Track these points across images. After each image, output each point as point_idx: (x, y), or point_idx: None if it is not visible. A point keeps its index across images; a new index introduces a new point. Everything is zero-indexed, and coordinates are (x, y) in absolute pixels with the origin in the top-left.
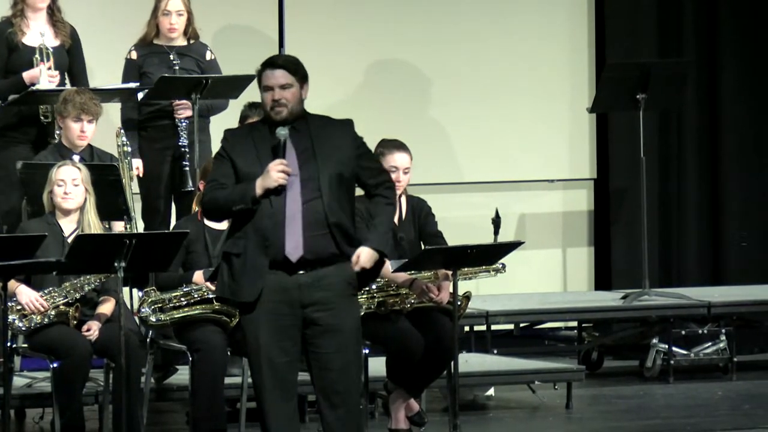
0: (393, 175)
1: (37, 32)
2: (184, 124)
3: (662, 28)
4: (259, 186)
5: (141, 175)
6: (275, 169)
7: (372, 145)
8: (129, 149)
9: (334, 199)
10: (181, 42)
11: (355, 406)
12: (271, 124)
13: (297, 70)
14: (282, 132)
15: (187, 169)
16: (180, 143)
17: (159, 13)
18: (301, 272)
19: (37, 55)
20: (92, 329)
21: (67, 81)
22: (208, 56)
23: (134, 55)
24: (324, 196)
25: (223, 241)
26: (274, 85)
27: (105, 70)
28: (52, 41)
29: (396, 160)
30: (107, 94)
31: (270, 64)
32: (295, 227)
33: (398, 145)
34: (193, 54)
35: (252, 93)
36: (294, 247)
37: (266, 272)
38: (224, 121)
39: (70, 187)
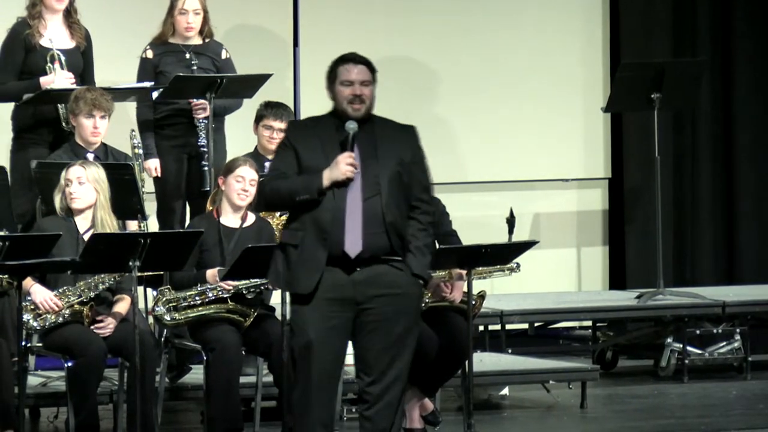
0: None
1: (53, 35)
2: (203, 124)
3: (677, 28)
4: (327, 177)
5: (159, 175)
6: (344, 161)
7: None
8: (141, 151)
9: (392, 199)
10: (197, 41)
11: (394, 400)
12: (339, 118)
13: (375, 70)
14: (351, 126)
15: (206, 169)
16: (199, 143)
17: (176, 12)
18: (358, 269)
19: (49, 63)
20: (108, 325)
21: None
22: (224, 55)
23: (150, 54)
24: (383, 195)
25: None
26: (355, 80)
27: (115, 68)
28: (68, 43)
29: None
30: (122, 94)
31: (351, 59)
32: (355, 223)
33: None
34: (209, 53)
35: (263, 92)
36: (353, 243)
37: (324, 266)
38: (238, 121)
39: (75, 186)
